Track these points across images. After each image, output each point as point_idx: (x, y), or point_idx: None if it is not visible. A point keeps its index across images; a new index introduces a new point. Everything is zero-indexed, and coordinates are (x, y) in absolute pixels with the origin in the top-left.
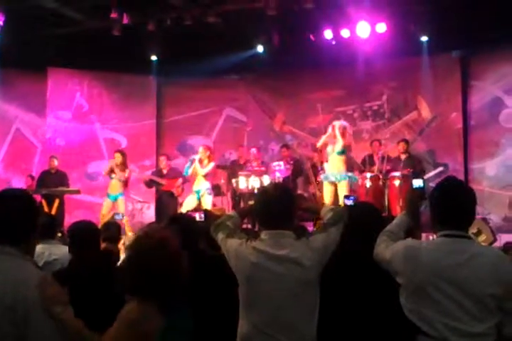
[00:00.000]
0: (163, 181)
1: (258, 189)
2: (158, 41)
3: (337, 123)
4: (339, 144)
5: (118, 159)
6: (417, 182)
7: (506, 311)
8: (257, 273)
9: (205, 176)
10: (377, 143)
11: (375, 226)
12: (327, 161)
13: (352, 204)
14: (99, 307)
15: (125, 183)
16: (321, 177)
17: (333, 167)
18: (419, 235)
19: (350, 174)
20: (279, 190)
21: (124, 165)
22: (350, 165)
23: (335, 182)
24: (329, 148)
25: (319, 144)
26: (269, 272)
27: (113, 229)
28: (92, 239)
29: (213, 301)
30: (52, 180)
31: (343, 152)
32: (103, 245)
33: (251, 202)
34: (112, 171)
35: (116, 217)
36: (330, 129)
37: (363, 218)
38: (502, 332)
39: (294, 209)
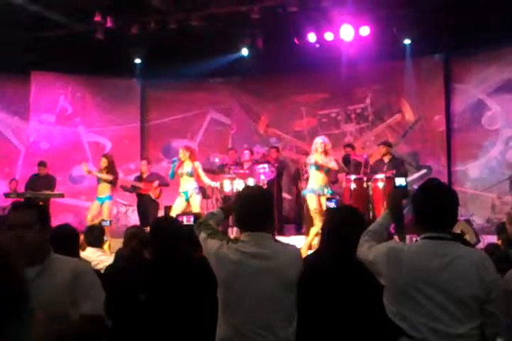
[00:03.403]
0: (140, 185)
1: (238, 191)
2: (142, 44)
3: (319, 140)
4: (327, 163)
5: (103, 164)
6: (399, 181)
7: (487, 313)
8: (237, 271)
9: (193, 176)
10: (349, 149)
11: (355, 228)
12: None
13: (334, 206)
14: None
15: (113, 185)
16: (306, 191)
17: (318, 181)
18: (404, 237)
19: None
20: (260, 194)
21: (110, 169)
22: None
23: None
24: (315, 165)
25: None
26: (249, 270)
27: (96, 232)
28: (69, 244)
29: (196, 304)
30: (40, 184)
31: (328, 170)
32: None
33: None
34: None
35: (104, 224)
36: (313, 147)
37: (344, 220)
38: (484, 334)
39: (272, 212)
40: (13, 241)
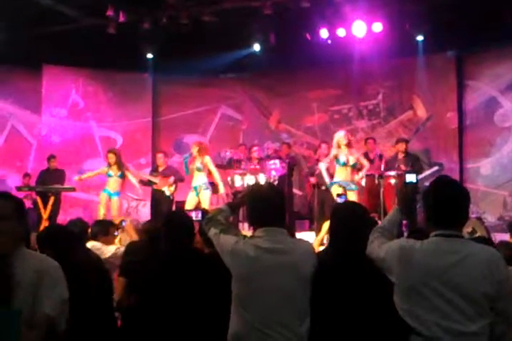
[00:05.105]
0: (156, 179)
1: (249, 188)
2: (154, 39)
3: (341, 134)
4: (353, 157)
5: (111, 159)
6: (410, 178)
7: (498, 310)
8: (255, 267)
9: (202, 171)
10: (372, 141)
11: (358, 223)
12: (334, 171)
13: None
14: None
15: (123, 182)
16: (332, 182)
17: (343, 175)
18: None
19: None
20: (273, 190)
21: (119, 164)
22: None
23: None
24: (342, 159)
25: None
26: (266, 265)
27: (99, 226)
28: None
29: (207, 299)
30: (50, 178)
31: (355, 165)
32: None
33: (241, 195)
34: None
35: (124, 224)
36: (335, 142)
37: (346, 216)
38: (494, 332)
39: (284, 208)
40: None
